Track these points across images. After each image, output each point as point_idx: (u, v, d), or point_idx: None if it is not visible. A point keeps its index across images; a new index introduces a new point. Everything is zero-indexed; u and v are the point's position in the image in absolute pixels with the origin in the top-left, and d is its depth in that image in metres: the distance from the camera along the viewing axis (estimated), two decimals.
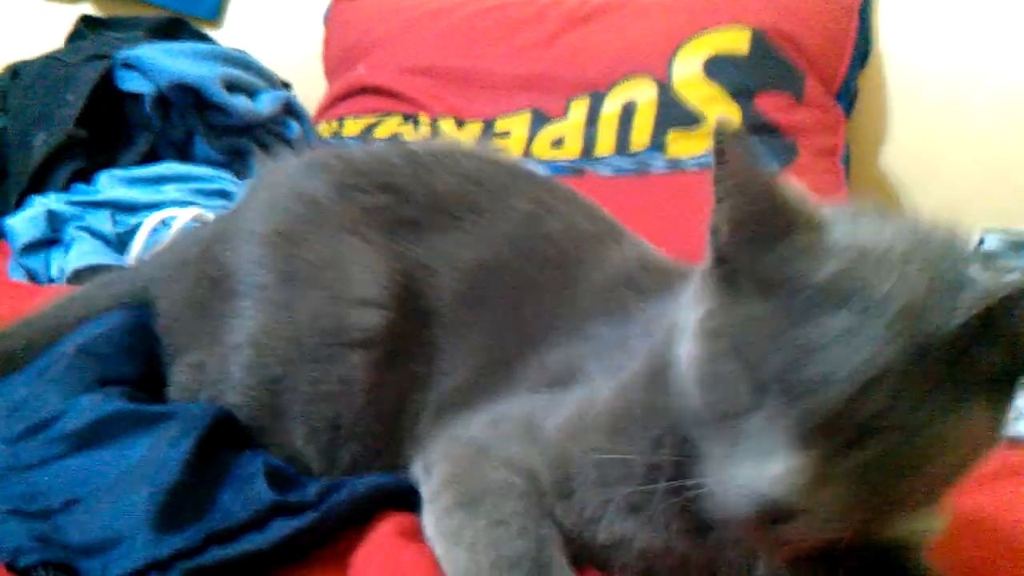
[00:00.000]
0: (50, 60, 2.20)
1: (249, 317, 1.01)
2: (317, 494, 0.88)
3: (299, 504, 0.86)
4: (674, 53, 2.02)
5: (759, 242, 0.71)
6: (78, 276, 1.65)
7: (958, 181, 2.07)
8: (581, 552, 0.83)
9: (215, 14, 2.64)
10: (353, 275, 1.00)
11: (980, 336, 0.66)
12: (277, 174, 1.12)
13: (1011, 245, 1.59)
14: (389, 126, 2.20)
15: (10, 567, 0.81)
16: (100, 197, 1.90)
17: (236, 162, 2.15)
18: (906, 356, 0.64)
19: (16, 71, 2.22)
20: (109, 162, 2.06)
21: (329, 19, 2.51)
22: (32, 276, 1.78)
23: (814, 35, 2.04)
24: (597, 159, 1.99)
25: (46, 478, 0.90)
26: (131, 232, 1.81)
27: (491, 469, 0.86)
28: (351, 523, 0.88)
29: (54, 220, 1.81)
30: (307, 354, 0.99)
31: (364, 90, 2.30)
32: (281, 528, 0.83)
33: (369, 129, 2.21)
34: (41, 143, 2.01)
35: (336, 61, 2.45)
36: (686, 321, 0.77)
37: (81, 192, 1.96)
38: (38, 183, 1.99)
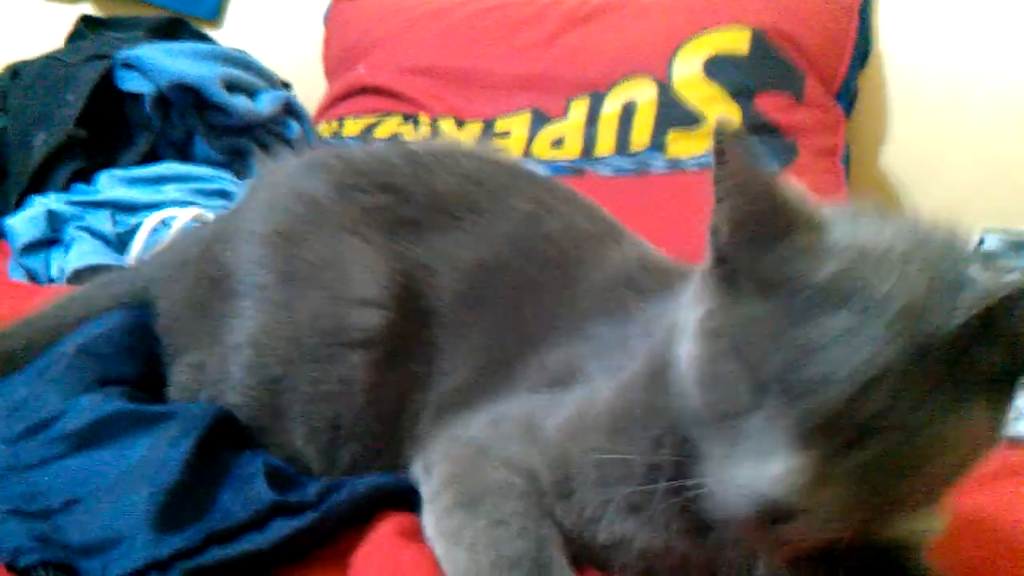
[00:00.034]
0: (50, 60, 2.20)
1: (249, 317, 1.01)
2: (317, 494, 0.88)
3: (299, 504, 0.86)
4: (674, 53, 2.02)
5: (759, 242, 0.71)
6: (78, 276, 1.65)
7: (958, 181, 2.07)
8: (581, 552, 0.83)
9: (215, 14, 2.64)
10: (353, 275, 1.00)
11: (980, 336, 0.66)
12: (277, 174, 1.12)
13: (1011, 245, 1.59)
14: (389, 126, 2.20)
15: (10, 567, 0.81)
16: (100, 197, 1.90)
17: (236, 162, 2.15)
18: (906, 356, 0.64)
19: (16, 71, 2.22)
20: (109, 162, 2.06)
21: (329, 19, 2.52)
22: (32, 276, 1.78)
23: (814, 35, 2.04)
24: (597, 159, 1.99)
25: (46, 478, 0.90)
26: (131, 232, 1.80)
27: (491, 469, 0.86)
28: (351, 523, 0.88)
29: (54, 220, 1.81)
30: (307, 354, 0.99)
31: (364, 90, 2.30)
32: (281, 528, 0.83)
33: (369, 129, 2.21)
34: (41, 143, 2.01)
35: (336, 61, 2.45)
36: (686, 321, 0.77)
37: (81, 192, 1.96)
38: (38, 183, 1.99)
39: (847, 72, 2.05)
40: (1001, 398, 0.70)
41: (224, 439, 0.96)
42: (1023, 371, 0.70)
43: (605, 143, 1.99)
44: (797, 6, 2.06)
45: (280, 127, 2.22)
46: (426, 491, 0.89)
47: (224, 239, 1.08)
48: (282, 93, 2.30)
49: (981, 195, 2.02)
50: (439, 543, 0.83)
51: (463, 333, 1.01)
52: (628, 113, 2.00)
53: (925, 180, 2.12)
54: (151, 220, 1.79)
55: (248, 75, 2.24)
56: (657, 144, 1.95)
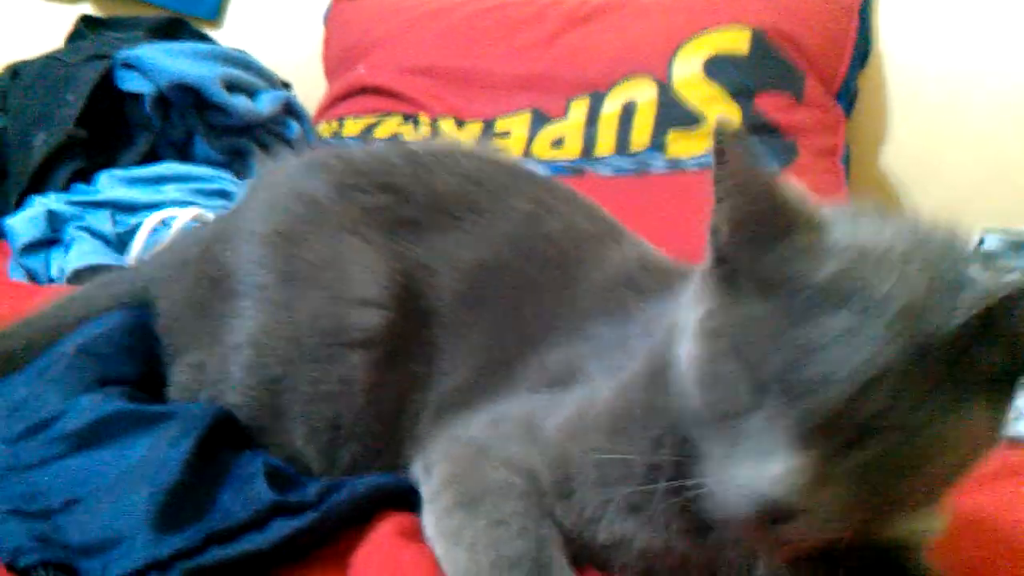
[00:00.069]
0: (50, 60, 2.20)
1: (249, 317, 1.01)
2: (317, 494, 0.88)
3: (299, 504, 0.86)
4: (674, 53, 2.02)
5: (759, 242, 0.71)
6: (78, 276, 1.65)
7: (958, 181, 2.07)
8: (581, 552, 0.83)
9: (215, 14, 2.64)
10: (353, 275, 1.00)
11: (980, 336, 0.66)
12: (277, 174, 1.12)
13: (1011, 245, 1.59)
14: (389, 126, 2.20)
15: (10, 567, 0.81)
16: (100, 197, 1.90)
17: (236, 162, 2.15)
18: (906, 356, 0.64)
19: (16, 71, 2.22)
20: (109, 162, 2.06)
21: (329, 19, 2.52)
22: (32, 276, 1.77)
23: (814, 35, 2.04)
24: (597, 159, 1.99)
25: (46, 478, 0.90)
26: (131, 232, 1.80)
27: (491, 469, 0.86)
28: (351, 523, 0.88)
29: (54, 220, 1.81)
30: (307, 354, 0.99)
31: (364, 90, 2.30)
32: (281, 528, 0.83)
33: (369, 129, 2.21)
34: (41, 143, 2.01)
35: (336, 61, 2.45)
36: (686, 321, 0.77)
37: (81, 192, 1.96)
38: (38, 183, 1.99)
39: (847, 72, 2.05)
40: (1001, 398, 0.70)
41: (224, 439, 0.96)
42: (1023, 371, 0.70)
43: (605, 143, 1.99)
44: (797, 6, 2.06)
45: (280, 127, 2.22)
46: (426, 491, 0.89)
47: (224, 239, 1.08)
48: (282, 93, 2.30)
49: (981, 195, 2.02)
50: (439, 543, 0.83)
51: (463, 333, 1.01)
52: (628, 113, 2.00)
53: (925, 180, 2.12)
54: (151, 220, 1.79)
55: (248, 75, 2.24)
56: (657, 144, 1.95)
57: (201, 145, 2.13)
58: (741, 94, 1.95)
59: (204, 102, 2.10)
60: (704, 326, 0.74)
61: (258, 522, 0.84)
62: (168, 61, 2.09)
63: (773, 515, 0.66)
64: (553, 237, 1.04)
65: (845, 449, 0.66)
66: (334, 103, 2.35)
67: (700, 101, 1.96)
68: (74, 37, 2.38)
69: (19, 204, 1.94)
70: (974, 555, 0.89)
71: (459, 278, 1.02)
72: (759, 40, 1.99)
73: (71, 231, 1.79)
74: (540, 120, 2.07)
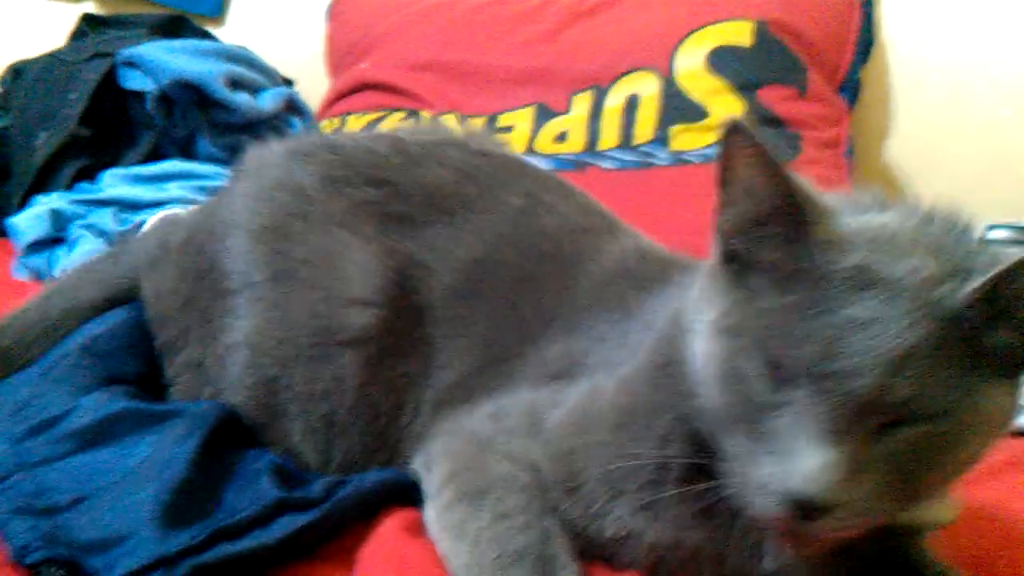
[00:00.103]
0: (52, 59, 2.19)
1: (243, 317, 1.01)
2: (323, 490, 0.88)
3: (305, 500, 0.87)
4: (677, 46, 2.01)
5: (777, 237, 0.71)
6: None
7: (962, 173, 2.06)
8: (587, 546, 0.83)
9: (217, 11, 2.63)
10: (344, 273, 0.99)
11: (990, 316, 0.66)
12: (262, 161, 1.11)
13: (1017, 236, 1.59)
14: (392, 122, 2.19)
15: (17, 564, 0.81)
16: (104, 196, 1.90)
17: (239, 160, 2.14)
18: (929, 336, 0.65)
19: (18, 70, 2.22)
20: (113, 160, 2.06)
21: (331, 16, 2.51)
22: (36, 275, 1.77)
23: (817, 28, 2.03)
24: (601, 153, 1.98)
25: (52, 476, 0.90)
26: (135, 230, 1.80)
27: (494, 463, 0.86)
28: (357, 519, 0.88)
29: (58, 219, 1.81)
30: (301, 353, 0.98)
31: (367, 86, 2.30)
32: (287, 524, 0.84)
33: (372, 126, 2.21)
34: (44, 142, 2.01)
35: (339, 58, 2.44)
36: (697, 321, 0.76)
37: (85, 191, 1.96)
38: (42, 182, 1.99)
39: (850, 65, 2.05)
40: (1013, 381, 0.70)
41: (230, 437, 0.96)
42: None
43: (609, 137, 1.98)
44: None
45: (283, 124, 2.22)
46: (428, 486, 0.89)
47: (209, 229, 1.07)
48: (285, 90, 2.30)
49: (985, 187, 2.01)
50: (442, 538, 0.83)
51: (459, 328, 1.00)
52: (631, 107, 1.99)
53: (929, 172, 2.11)
54: (155, 218, 1.79)
55: (251, 72, 2.24)
56: (661, 138, 1.94)
57: (204, 143, 2.13)
58: (744, 87, 1.95)
59: (207, 100, 2.10)
60: (720, 325, 0.74)
61: (264, 518, 0.84)
62: (170, 59, 2.09)
63: (806, 513, 0.66)
64: (548, 231, 1.03)
65: (876, 439, 0.66)
66: (337, 100, 2.35)
67: (703, 94, 1.95)
68: (76, 36, 2.38)
69: (23, 203, 1.94)
70: (977, 546, 0.89)
71: (453, 274, 1.01)
72: (762, 33, 1.99)
73: (75, 230, 1.79)
74: (543, 115, 2.06)
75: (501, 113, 2.10)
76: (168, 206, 1.83)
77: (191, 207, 1.76)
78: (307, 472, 0.97)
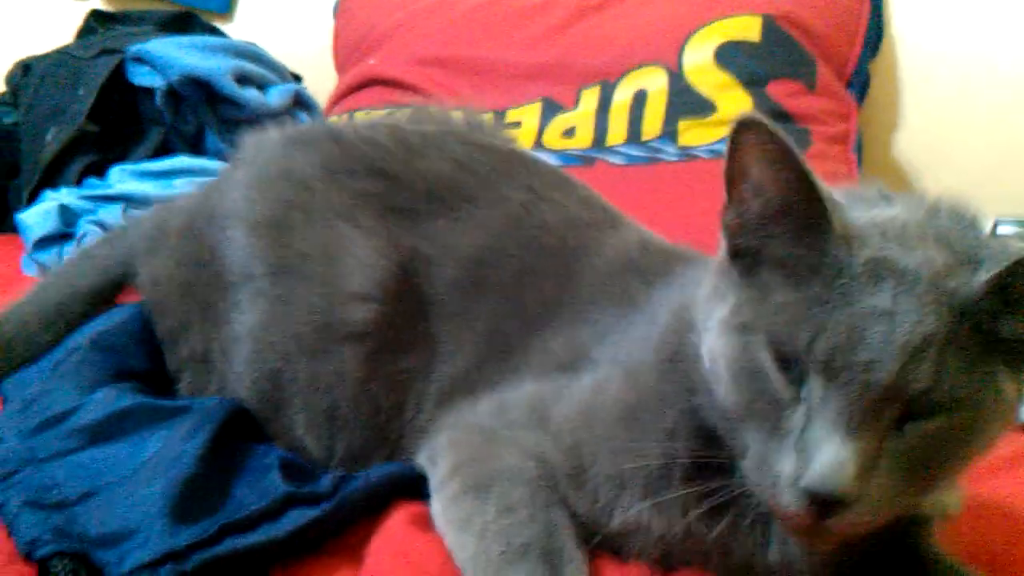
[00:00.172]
0: (61, 55, 2.20)
1: (245, 311, 1.01)
2: (332, 485, 0.88)
3: (313, 495, 0.87)
4: (685, 41, 2.00)
5: (791, 232, 0.70)
6: None
7: (971, 167, 2.06)
8: (594, 538, 0.83)
9: (226, 7, 2.63)
10: (345, 267, 0.99)
11: (1001, 306, 0.66)
12: (262, 148, 1.11)
13: None
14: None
15: (27, 558, 0.82)
16: (112, 191, 1.90)
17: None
18: (943, 326, 0.65)
19: (27, 66, 2.23)
20: (121, 156, 2.06)
21: (339, 11, 2.51)
22: (45, 271, 1.78)
23: (825, 22, 2.02)
24: (609, 148, 1.98)
25: (62, 471, 0.91)
26: None
27: (499, 456, 0.86)
28: (365, 513, 0.88)
29: (67, 214, 1.81)
30: (303, 347, 0.99)
31: (375, 82, 2.29)
32: (296, 518, 0.84)
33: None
34: (53, 138, 2.01)
35: (347, 53, 2.44)
36: (707, 318, 0.76)
37: (93, 186, 1.96)
38: (50, 178, 2.00)
39: (859, 59, 2.04)
40: (1022, 372, 0.70)
41: (239, 432, 0.96)
42: None
43: (617, 132, 1.98)
44: None
45: (291, 120, 2.22)
46: (434, 479, 0.89)
47: (209, 216, 1.07)
48: (293, 86, 2.30)
49: (994, 181, 2.01)
50: (448, 531, 0.83)
51: (462, 322, 1.00)
52: (639, 102, 1.99)
53: (938, 167, 2.11)
54: None
55: (259, 68, 2.24)
56: (669, 133, 1.93)
57: (212, 138, 2.13)
58: (753, 82, 1.94)
59: (215, 95, 2.10)
60: (732, 322, 0.73)
61: (273, 512, 0.84)
62: (179, 55, 2.09)
63: (824, 508, 0.66)
64: (550, 225, 1.03)
65: (894, 433, 0.66)
66: (345, 96, 2.34)
67: (712, 89, 1.95)
68: (84, 32, 2.38)
69: (32, 199, 1.94)
70: (984, 540, 0.89)
71: (455, 267, 1.01)
72: (770, 27, 1.98)
73: (84, 225, 1.79)
74: (551, 110, 2.06)
75: (509, 108, 2.10)
76: None
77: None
78: (311, 464, 0.97)
